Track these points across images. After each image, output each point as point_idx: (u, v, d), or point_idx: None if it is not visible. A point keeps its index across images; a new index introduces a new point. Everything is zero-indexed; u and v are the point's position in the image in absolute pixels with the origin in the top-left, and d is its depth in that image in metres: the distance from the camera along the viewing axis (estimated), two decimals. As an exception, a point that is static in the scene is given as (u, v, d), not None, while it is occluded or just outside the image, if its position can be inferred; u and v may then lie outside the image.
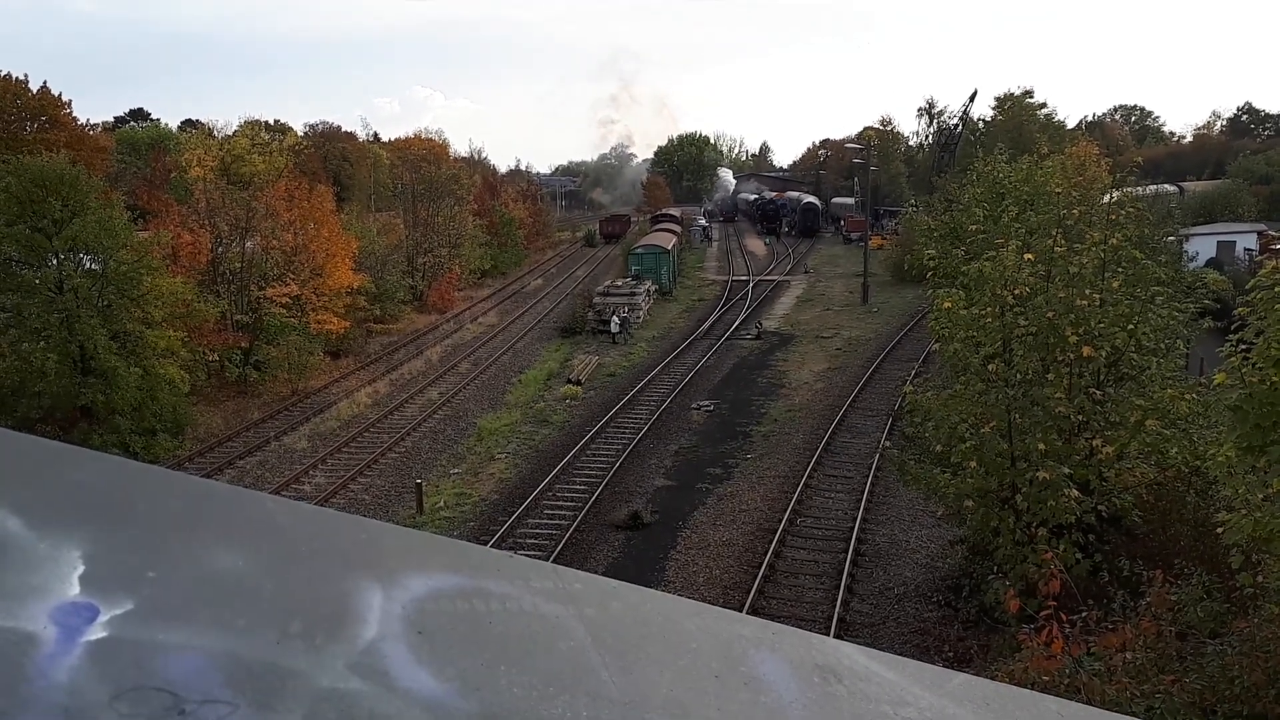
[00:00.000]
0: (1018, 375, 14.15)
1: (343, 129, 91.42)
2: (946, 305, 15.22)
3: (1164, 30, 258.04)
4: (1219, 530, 9.40)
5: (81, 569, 0.76)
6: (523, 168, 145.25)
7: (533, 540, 19.93)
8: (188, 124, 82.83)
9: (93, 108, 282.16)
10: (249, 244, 35.76)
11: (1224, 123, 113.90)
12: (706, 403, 30.41)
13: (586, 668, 0.83)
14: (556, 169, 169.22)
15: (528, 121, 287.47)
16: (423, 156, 71.81)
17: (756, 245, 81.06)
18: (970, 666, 13.25)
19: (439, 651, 0.80)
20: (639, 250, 54.80)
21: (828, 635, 11.43)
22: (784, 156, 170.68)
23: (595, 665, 0.84)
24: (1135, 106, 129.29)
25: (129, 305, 26.61)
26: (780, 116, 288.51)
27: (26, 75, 53.36)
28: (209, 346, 31.48)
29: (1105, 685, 8.40)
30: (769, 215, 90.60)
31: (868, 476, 22.61)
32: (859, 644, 1.06)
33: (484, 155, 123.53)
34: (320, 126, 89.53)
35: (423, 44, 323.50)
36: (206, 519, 0.89)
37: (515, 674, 0.80)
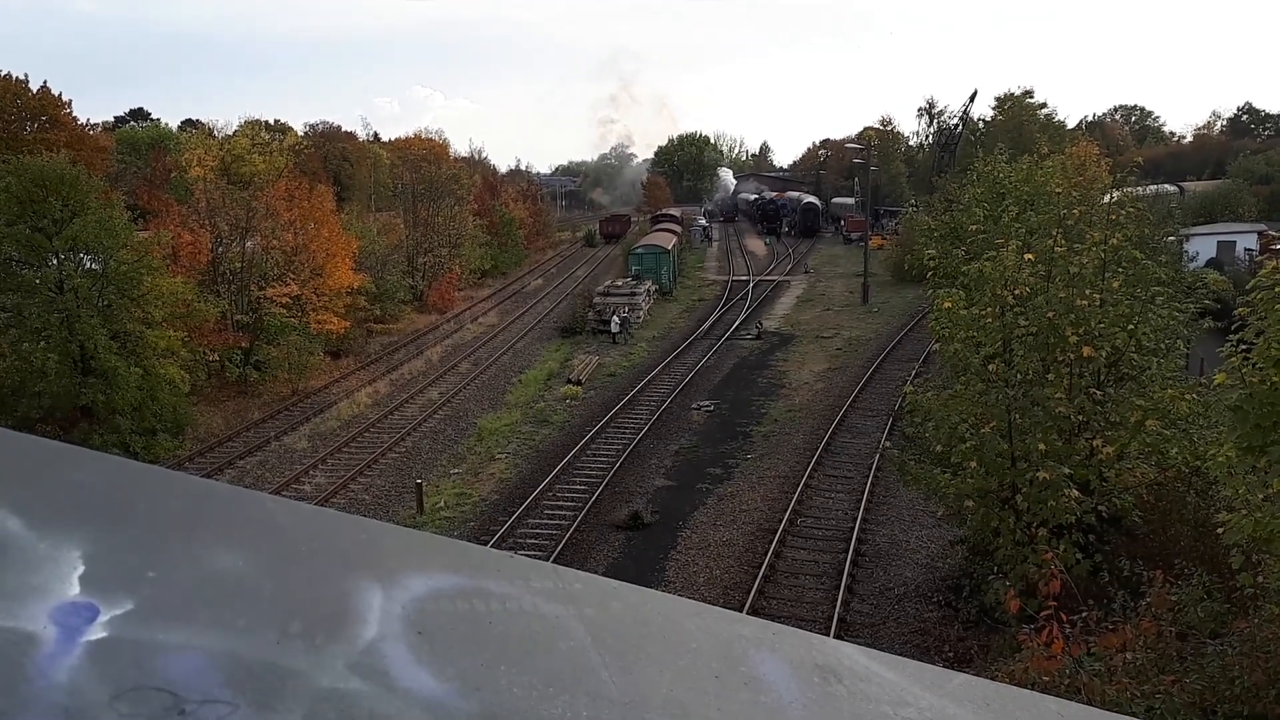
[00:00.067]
0: (1018, 375, 14.15)
1: (343, 129, 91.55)
2: (947, 305, 15.22)
3: (1164, 30, 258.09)
4: (1219, 530, 9.40)
5: (81, 569, 0.76)
6: (523, 168, 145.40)
7: (533, 540, 19.93)
8: (188, 124, 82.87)
9: (93, 108, 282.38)
10: (249, 244, 35.76)
11: (1224, 123, 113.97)
12: (707, 403, 30.41)
13: (587, 668, 0.83)
14: (556, 169, 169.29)
15: (528, 121, 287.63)
16: (423, 156, 71.83)
17: (757, 245, 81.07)
18: (970, 667, 13.25)
19: (439, 651, 0.80)
20: (639, 250, 54.80)
21: (828, 635, 11.44)
22: (784, 156, 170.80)
23: (595, 665, 0.84)
24: (1135, 106, 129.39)
25: (129, 305, 26.61)
26: (780, 116, 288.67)
27: (27, 75, 53.44)
28: (209, 346, 31.48)
29: (1105, 685, 8.40)
30: (769, 215, 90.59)
31: (868, 477, 22.61)
32: (859, 644, 1.06)
33: (484, 155, 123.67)
34: (320, 126, 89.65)
35: (423, 44, 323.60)
36: (206, 519, 0.89)
37: (515, 674, 0.80)
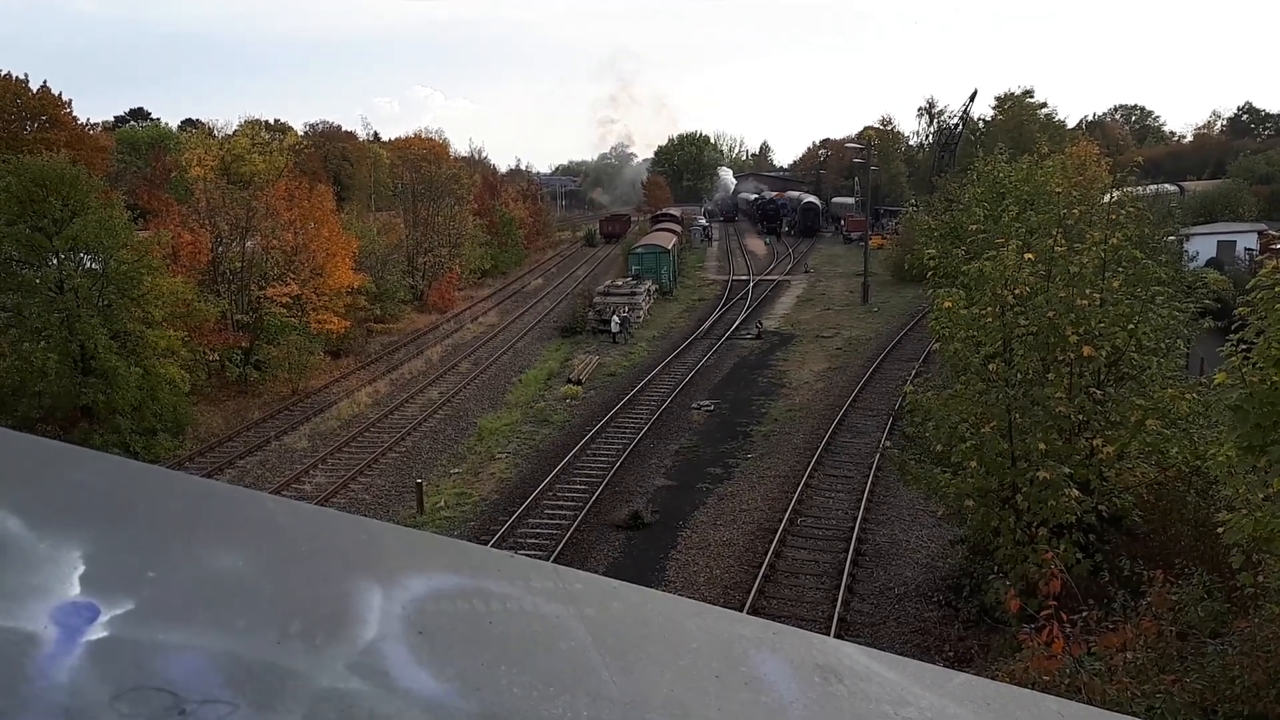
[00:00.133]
0: (1018, 375, 14.15)
1: (343, 129, 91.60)
2: (947, 305, 15.22)
3: (1164, 30, 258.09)
4: (1219, 530, 9.40)
5: (82, 569, 0.76)
6: (523, 167, 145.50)
7: (533, 540, 19.93)
8: (188, 124, 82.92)
9: (93, 107, 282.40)
10: (249, 244, 35.76)
11: (1224, 122, 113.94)
12: (707, 402, 30.41)
13: (587, 668, 0.83)
14: (557, 169, 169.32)
15: (528, 121, 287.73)
16: (423, 156, 71.91)
17: (757, 245, 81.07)
18: (971, 666, 13.25)
19: (439, 652, 0.80)
20: (639, 250, 54.80)
21: (828, 635, 11.44)
22: (784, 156, 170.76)
23: (596, 665, 0.84)
24: (1135, 106, 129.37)
25: (129, 305, 26.61)
26: (780, 116, 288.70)
27: (27, 75, 53.49)
28: (209, 346, 31.48)
29: (1106, 685, 8.40)
30: (769, 215, 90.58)
31: (868, 476, 22.61)
32: (859, 644, 1.06)
33: (484, 155, 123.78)
34: (320, 126, 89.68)
35: (423, 44, 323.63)
36: (207, 519, 0.89)
37: (516, 674, 0.80)
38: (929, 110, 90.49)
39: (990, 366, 14.45)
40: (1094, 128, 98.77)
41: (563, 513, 21.28)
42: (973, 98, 75.73)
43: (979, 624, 15.10)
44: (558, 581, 0.95)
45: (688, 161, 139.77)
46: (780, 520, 20.00)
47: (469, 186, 65.36)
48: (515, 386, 33.71)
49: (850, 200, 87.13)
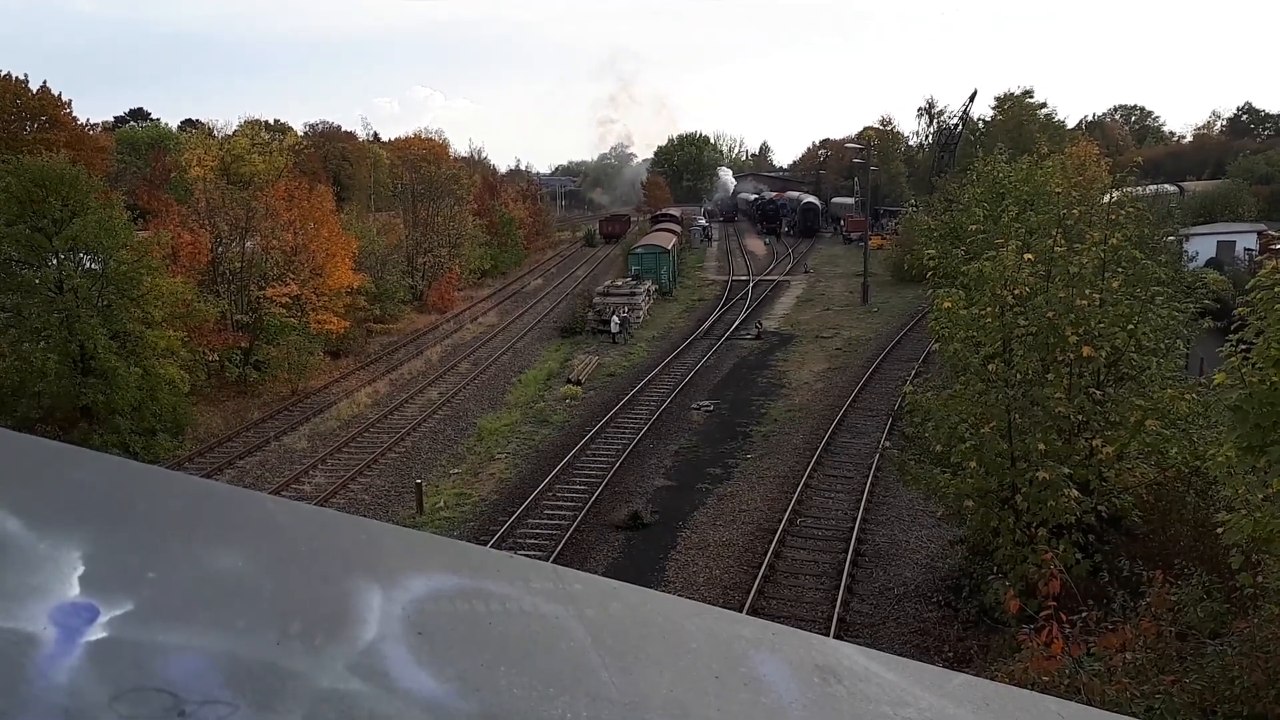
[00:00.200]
0: (1018, 375, 14.15)
1: (343, 129, 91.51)
2: (946, 305, 15.22)
3: (1164, 30, 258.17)
4: (1219, 530, 9.40)
5: (81, 569, 0.76)
6: (523, 168, 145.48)
7: (533, 540, 19.93)
8: (188, 124, 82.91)
9: (93, 108, 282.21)
10: (249, 244, 35.76)
11: (1224, 123, 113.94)
12: (706, 403, 30.41)
13: (587, 668, 0.83)
14: (556, 169, 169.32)
15: (528, 121, 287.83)
16: (423, 156, 71.81)
17: (756, 245, 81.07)
18: (970, 667, 13.25)
19: (439, 652, 0.80)
20: (639, 250, 54.80)
21: (828, 636, 11.44)
22: (784, 156, 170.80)
23: (595, 666, 0.84)
24: (1135, 106, 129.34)
25: (129, 305, 26.61)
26: (780, 116, 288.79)
27: (26, 75, 53.46)
28: (209, 346, 31.47)
29: (1105, 686, 8.40)
30: (769, 215, 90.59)
31: (868, 477, 22.61)
32: (859, 644, 1.06)
33: (484, 155, 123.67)
34: (320, 126, 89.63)
35: (423, 44, 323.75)
36: (206, 519, 0.89)
37: (515, 675, 0.80)
38: (929, 110, 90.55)
39: (990, 367, 14.45)
40: (1094, 128, 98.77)
41: (562, 513, 21.28)
42: (972, 98, 75.79)
43: (978, 624, 15.10)
44: (557, 582, 0.95)
45: (687, 162, 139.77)
46: (780, 520, 20.00)
47: (469, 187, 65.33)
48: (515, 387, 33.71)
49: (850, 200, 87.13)
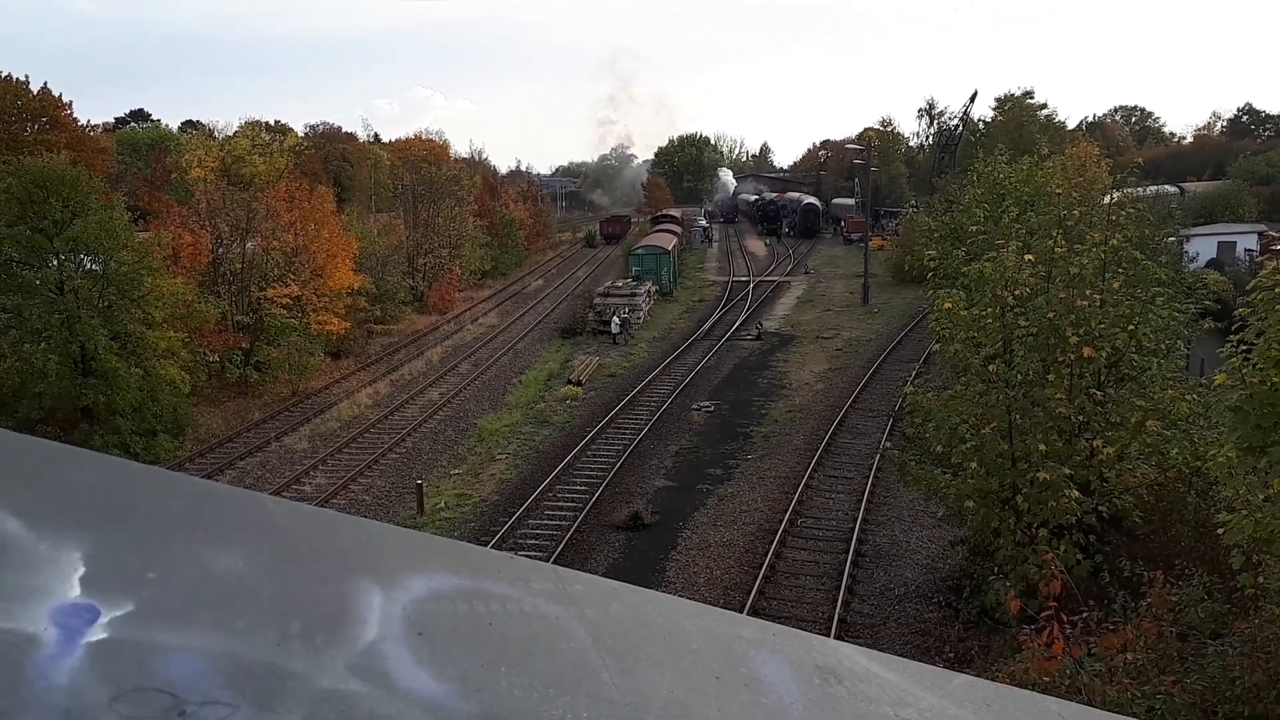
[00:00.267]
0: (1018, 376, 14.15)
1: (343, 130, 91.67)
2: (947, 306, 15.23)
3: (1164, 30, 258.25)
4: (1220, 531, 9.40)
5: (82, 570, 0.76)
6: (523, 168, 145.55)
7: (533, 541, 19.93)
8: (188, 125, 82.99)
9: (93, 108, 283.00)
10: (249, 245, 35.77)
11: (1224, 123, 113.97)
12: (707, 403, 30.41)
13: (587, 669, 0.83)
14: (557, 170, 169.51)
15: (528, 122, 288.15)
16: (423, 157, 71.97)
17: (757, 246, 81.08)
18: (971, 667, 13.25)
19: (439, 653, 0.80)
20: (639, 251, 54.81)
21: (828, 636, 11.44)
22: (784, 157, 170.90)
23: (596, 666, 0.84)
24: (1135, 107, 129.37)
25: (130, 306, 26.61)
26: (780, 117, 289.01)
27: (27, 76, 53.47)
28: (210, 347, 31.49)
29: (1106, 686, 8.39)
30: (769, 216, 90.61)
31: (868, 477, 22.61)
32: (859, 645, 1.06)
33: (484, 156, 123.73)
34: (321, 127, 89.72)
35: (423, 44, 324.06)
36: (207, 520, 0.89)
37: (516, 675, 0.80)
38: (929, 111, 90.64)
39: (990, 367, 14.45)
40: (1094, 129, 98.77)
41: (563, 514, 21.28)
42: (973, 99, 75.75)
43: (979, 625, 15.10)
44: (558, 583, 0.95)
45: (688, 163, 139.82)
46: (780, 521, 20.00)
47: (469, 188, 65.35)
48: (515, 387, 33.72)
49: (850, 201, 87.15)
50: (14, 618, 0.71)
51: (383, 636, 0.79)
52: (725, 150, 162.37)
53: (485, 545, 16.47)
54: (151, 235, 30.92)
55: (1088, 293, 13.97)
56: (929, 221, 30.70)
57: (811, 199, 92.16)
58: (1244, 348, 9.40)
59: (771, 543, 18.94)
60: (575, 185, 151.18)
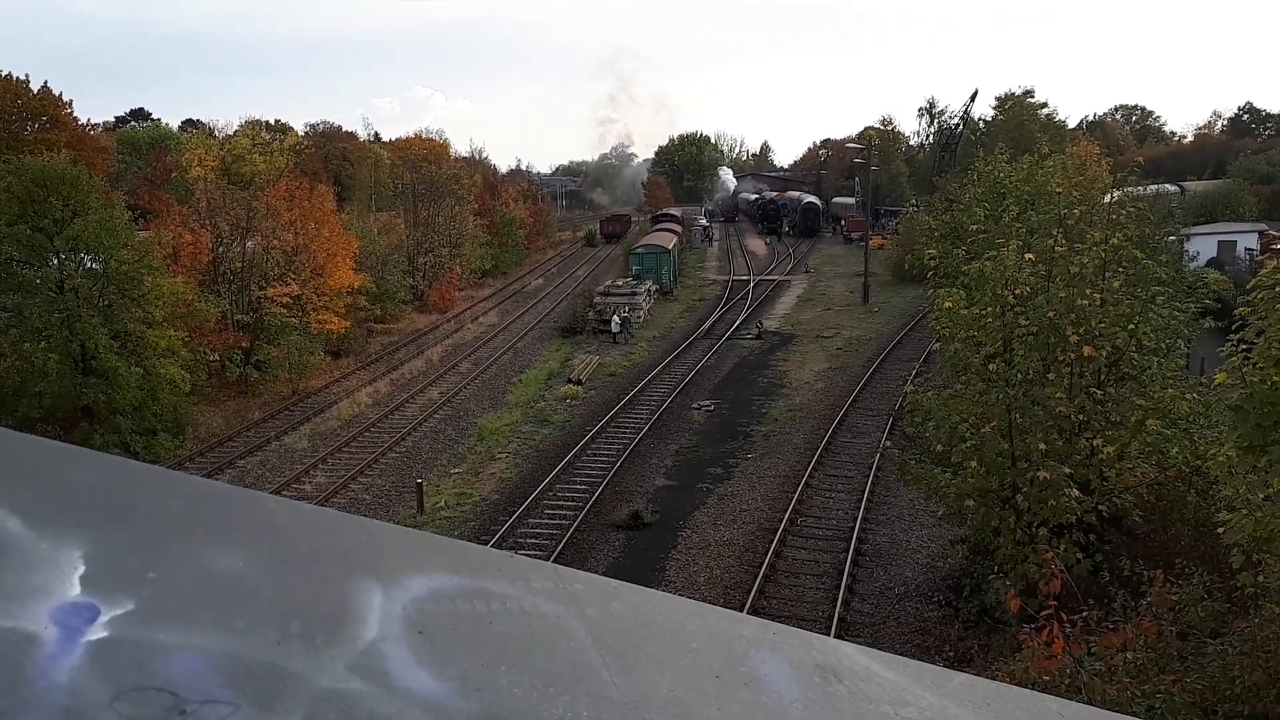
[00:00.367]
0: (1018, 375, 14.15)
1: (343, 129, 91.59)
2: (947, 305, 15.22)
3: (1164, 30, 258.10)
4: (1220, 530, 9.40)
5: (82, 569, 0.76)
6: (523, 168, 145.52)
7: (533, 540, 19.93)
8: (188, 124, 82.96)
9: (93, 108, 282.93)
10: (250, 244, 35.77)
11: (1225, 122, 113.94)
12: (707, 402, 30.41)
13: (587, 668, 0.83)
14: (557, 169, 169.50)
15: (528, 121, 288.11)
16: (423, 156, 71.91)
17: (757, 245, 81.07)
18: (971, 666, 13.25)
19: (439, 652, 0.80)
20: (640, 250, 54.79)
21: (828, 635, 11.43)
22: (785, 156, 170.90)
23: (596, 665, 0.84)
24: (1136, 106, 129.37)
25: (130, 305, 26.62)
26: (781, 116, 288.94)
27: (27, 75, 53.46)
28: (210, 346, 31.48)
29: (1106, 685, 8.40)
30: (770, 215, 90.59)
31: (868, 476, 22.60)
32: (860, 644, 1.06)
33: (485, 155, 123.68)
34: (321, 126, 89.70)
35: (423, 44, 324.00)
36: (207, 519, 0.89)
37: (516, 674, 0.80)
38: (929, 110, 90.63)
39: (990, 366, 14.45)
40: (1094, 128, 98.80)
41: (563, 513, 21.28)
42: (973, 98, 75.76)
43: (979, 624, 15.10)
44: (558, 582, 0.95)
45: (688, 162, 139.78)
46: (780, 520, 20.00)
47: (469, 187, 65.37)
48: (515, 386, 33.72)
49: (851, 200, 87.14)
50: (14, 617, 0.71)
51: (383, 636, 0.79)
52: (725, 149, 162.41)
53: (485, 544, 16.47)
54: (152, 234, 30.90)
55: (1088, 292, 13.97)
56: (929, 220, 30.72)
57: (812, 198, 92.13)
58: (1244, 347, 9.40)
59: (771, 542, 18.94)
60: (575, 184, 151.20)
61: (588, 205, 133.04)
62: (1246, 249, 48.65)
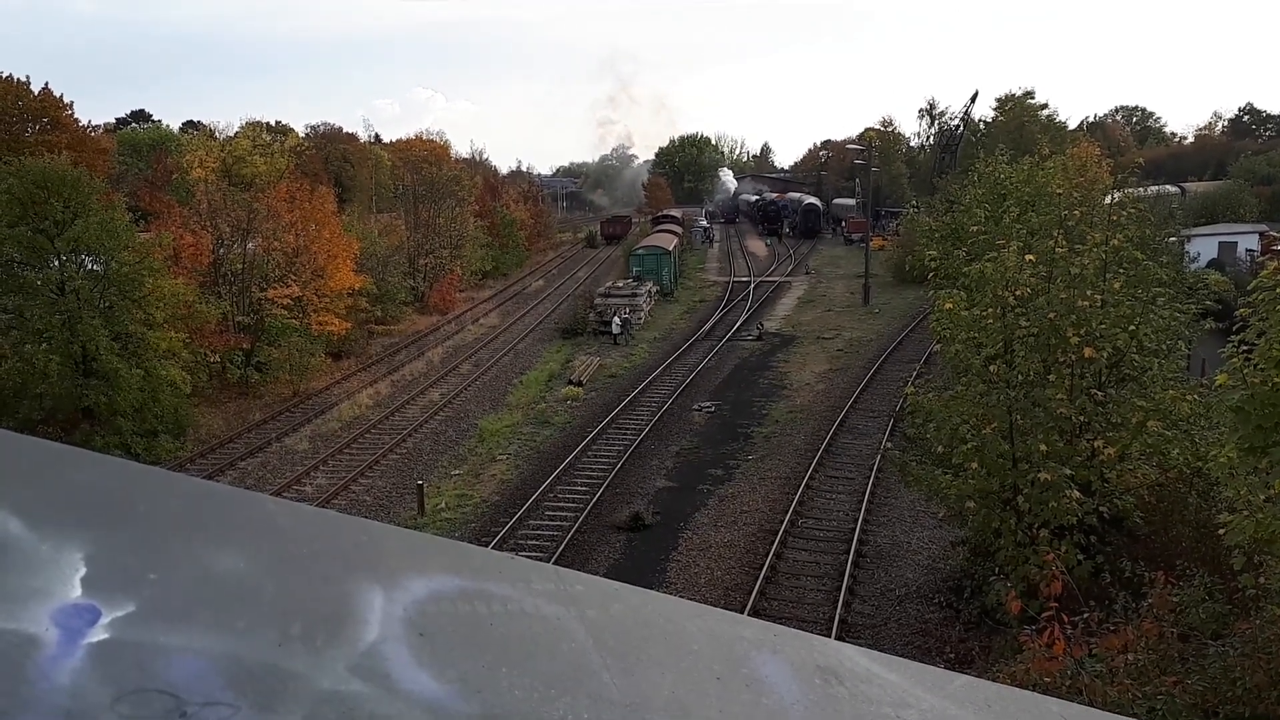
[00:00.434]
0: (1019, 376, 14.14)
1: (344, 130, 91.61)
2: (948, 306, 15.23)
3: (1164, 30, 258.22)
4: (1221, 531, 9.39)
5: (83, 571, 0.76)
6: (524, 169, 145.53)
7: (534, 542, 19.93)
8: (189, 125, 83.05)
9: (94, 109, 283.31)
10: (250, 245, 35.78)
11: (1225, 123, 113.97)
12: (708, 404, 30.41)
13: (588, 669, 0.83)
14: (558, 170, 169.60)
15: (528, 122, 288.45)
16: (424, 158, 71.95)
17: (758, 246, 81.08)
18: (972, 668, 13.24)
19: (440, 653, 0.80)
20: (640, 251, 54.79)
21: (829, 637, 11.43)
22: (785, 157, 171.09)
23: (597, 667, 0.84)
24: (1136, 107, 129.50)
25: (131, 307, 26.62)
26: (781, 117, 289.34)
27: (28, 77, 53.48)
28: (210, 348, 31.48)
29: (1107, 687, 8.39)
30: (770, 216, 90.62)
31: (869, 478, 22.60)
32: (860, 646, 1.06)
33: (485, 156, 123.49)
34: (321, 128, 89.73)
35: (423, 45, 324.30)
36: (207, 521, 0.89)
37: (516, 676, 0.80)
38: (930, 111, 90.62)
39: (991, 368, 14.45)
40: (1095, 129, 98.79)
41: (563, 514, 21.28)
42: (974, 99, 75.75)
43: (980, 626, 15.09)
44: (558, 583, 0.95)
45: (688, 163, 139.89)
46: (781, 522, 19.99)
47: (470, 188, 65.35)
48: (516, 388, 33.71)
49: (851, 201, 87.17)
50: (15, 618, 0.71)
51: (384, 637, 0.79)
52: (726, 150, 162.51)
53: (486, 546, 16.47)
54: (152, 236, 30.92)
55: (1089, 293, 13.97)
56: (930, 222, 30.72)
57: (812, 199, 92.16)
58: (1245, 348, 9.40)
59: (772, 543, 18.94)
60: (576, 185, 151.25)
61: (588, 206, 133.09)
62: (1247, 250, 48.66)
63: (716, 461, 25.02)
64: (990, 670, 11.51)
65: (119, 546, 0.81)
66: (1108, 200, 18.29)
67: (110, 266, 26.61)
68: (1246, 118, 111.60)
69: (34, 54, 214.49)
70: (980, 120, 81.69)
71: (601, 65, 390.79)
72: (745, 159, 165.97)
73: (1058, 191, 19.58)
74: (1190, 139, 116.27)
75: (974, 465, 13.99)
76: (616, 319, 41.46)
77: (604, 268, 67.11)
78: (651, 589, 1.11)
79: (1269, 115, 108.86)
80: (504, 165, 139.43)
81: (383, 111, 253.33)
